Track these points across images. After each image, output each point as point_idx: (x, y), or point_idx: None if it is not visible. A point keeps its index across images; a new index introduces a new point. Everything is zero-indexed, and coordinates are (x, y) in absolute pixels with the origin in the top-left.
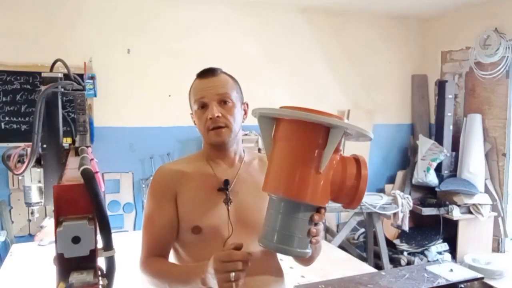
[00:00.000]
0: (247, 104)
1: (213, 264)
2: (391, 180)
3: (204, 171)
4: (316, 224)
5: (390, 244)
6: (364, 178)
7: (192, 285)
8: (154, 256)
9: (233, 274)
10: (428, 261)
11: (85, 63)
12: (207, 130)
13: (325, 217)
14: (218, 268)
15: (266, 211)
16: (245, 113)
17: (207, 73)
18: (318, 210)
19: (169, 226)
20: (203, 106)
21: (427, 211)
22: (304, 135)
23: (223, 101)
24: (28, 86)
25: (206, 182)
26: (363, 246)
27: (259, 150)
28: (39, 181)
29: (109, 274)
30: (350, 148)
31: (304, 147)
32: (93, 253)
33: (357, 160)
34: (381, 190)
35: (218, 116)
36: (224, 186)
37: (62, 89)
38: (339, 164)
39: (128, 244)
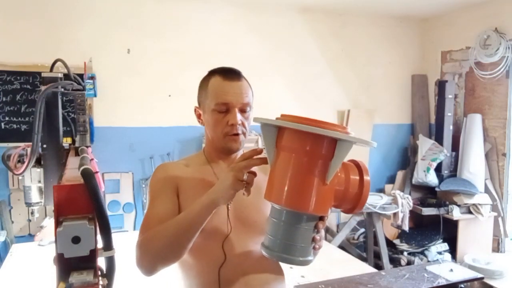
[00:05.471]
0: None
1: (230, 168)
2: (391, 180)
3: (205, 171)
4: (318, 231)
5: (390, 244)
6: (367, 185)
7: (202, 214)
8: None
9: (246, 174)
10: (428, 261)
11: (85, 63)
12: (224, 134)
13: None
14: (234, 167)
15: (267, 218)
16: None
17: (233, 75)
18: (321, 217)
19: (172, 210)
20: (224, 110)
21: (427, 211)
22: (308, 147)
23: (244, 110)
24: (28, 86)
25: (206, 181)
26: (363, 246)
27: None
28: (39, 181)
29: (109, 274)
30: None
31: (308, 158)
32: (93, 253)
33: (358, 166)
34: (381, 190)
35: (239, 124)
36: None
37: (62, 89)
38: (342, 172)
39: (128, 244)
